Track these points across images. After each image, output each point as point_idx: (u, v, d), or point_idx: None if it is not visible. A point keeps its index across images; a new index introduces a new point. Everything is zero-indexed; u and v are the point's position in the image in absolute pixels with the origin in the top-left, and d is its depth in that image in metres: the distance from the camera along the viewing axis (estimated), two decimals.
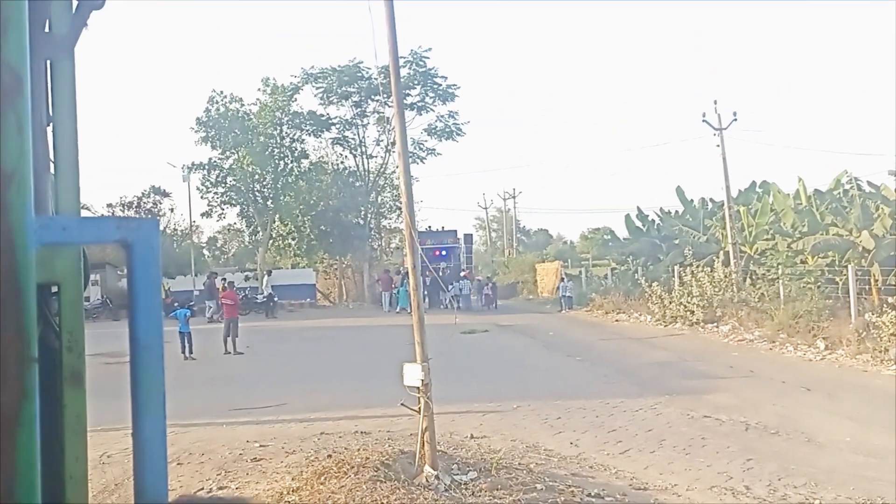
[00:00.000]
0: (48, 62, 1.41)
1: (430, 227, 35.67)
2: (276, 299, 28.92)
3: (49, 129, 1.42)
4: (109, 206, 36.39)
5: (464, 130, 35.09)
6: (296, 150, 35.21)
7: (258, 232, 36.63)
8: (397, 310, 27.90)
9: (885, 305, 14.78)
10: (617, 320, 24.40)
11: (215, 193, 34.94)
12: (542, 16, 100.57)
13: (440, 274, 25.99)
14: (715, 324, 20.16)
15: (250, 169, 33.88)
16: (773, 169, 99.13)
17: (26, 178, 0.81)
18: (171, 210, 39.19)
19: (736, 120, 24.42)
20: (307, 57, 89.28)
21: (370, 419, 9.35)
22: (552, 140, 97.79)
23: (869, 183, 22.44)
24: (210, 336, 17.76)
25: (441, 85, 34.22)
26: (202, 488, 6.72)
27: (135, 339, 0.89)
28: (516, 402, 10.39)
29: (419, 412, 6.66)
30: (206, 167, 34.38)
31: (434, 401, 6.78)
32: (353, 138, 36.55)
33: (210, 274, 28.06)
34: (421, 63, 33.64)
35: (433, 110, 34.68)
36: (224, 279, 24.82)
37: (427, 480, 6.37)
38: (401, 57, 8.62)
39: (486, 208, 63.77)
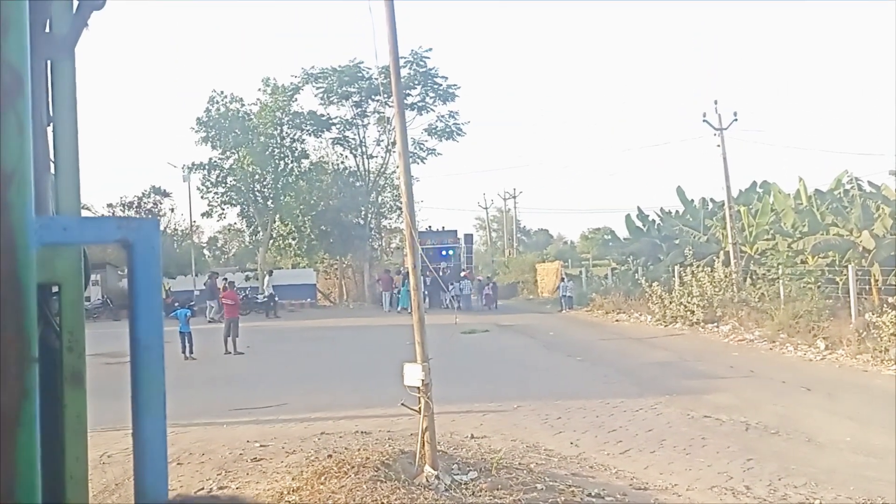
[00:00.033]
0: (49, 62, 1.41)
1: (430, 227, 35.66)
2: (276, 299, 28.93)
3: (49, 129, 1.42)
4: (110, 206, 36.44)
5: (464, 130, 35.13)
6: (296, 150, 35.22)
7: (258, 232, 36.63)
8: (398, 309, 27.90)
9: (885, 305, 14.77)
10: (617, 320, 24.40)
11: (216, 193, 34.96)
12: (542, 16, 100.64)
13: (440, 274, 25.99)
14: (715, 324, 20.15)
15: (251, 169, 33.88)
16: (774, 169, 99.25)
17: (27, 178, 0.81)
18: (172, 210, 39.27)
19: (736, 120, 24.43)
20: (307, 57, 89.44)
21: (370, 419, 9.35)
22: (552, 140, 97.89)
23: (869, 183, 22.48)
24: (210, 336, 17.77)
25: (441, 85, 34.24)
26: (202, 488, 6.72)
27: (135, 339, 0.89)
28: (517, 402, 10.39)
29: (419, 412, 6.66)
30: (207, 167, 34.39)
31: (434, 401, 6.78)
32: (353, 138, 36.58)
33: (211, 274, 28.06)
34: (421, 63, 33.64)
35: (433, 110, 34.72)
36: (225, 279, 24.82)
37: (427, 480, 6.37)
38: (401, 57, 8.62)
39: (486, 208, 63.85)
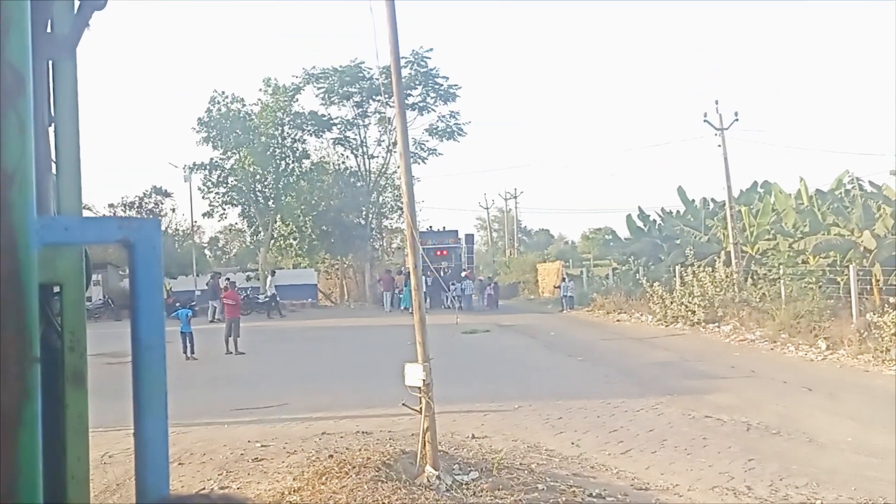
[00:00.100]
0: (50, 62, 1.41)
1: (431, 227, 35.66)
2: (278, 299, 28.93)
3: (51, 130, 1.43)
4: (111, 206, 36.46)
5: (465, 130, 35.13)
6: (297, 150, 35.22)
7: (259, 232, 36.64)
8: (401, 309, 27.89)
9: (886, 305, 14.77)
10: (618, 320, 24.39)
11: (217, 193, 34.97)
12: (543, 16, 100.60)
13: (441, 274, 26.00)
14: (716, 324, 20.14)
15: (252, 169, 33.88)
16: (775, 169, 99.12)
17: (28, 179, 0.81)
18: (173, 210, 39.30)
19: (737, 120, 24.41)
20: (308, 57, 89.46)
21: (372, 419, 9.35)
22: (553, 140, 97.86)
23: (871, 183, 22.45)
24: (211, 336, 17.77)
25: (442, 85, 34.23)
26: (203, 488, 6.72)
27: (137, 340, 0.89)
28: (518, 402, 10.39)
29: (420, 412, 6.66)
30: (208, 167, 34.40)
31: (435, 401, 6.78)
32: (354, 138, 36.58)
33: (214, 274, 28.05)
34: (422, 63, 33.64)
35: (434, 110, 34.71)
36: (227, 279, 24.82)
37: (428, 480, 6.37)
38: (402, 57, 8.62)
39: (487, 208, 63.85)
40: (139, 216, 32.21)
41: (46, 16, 1.40)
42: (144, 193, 37.68)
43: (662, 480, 6.92)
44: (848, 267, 17.90)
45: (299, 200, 35.11)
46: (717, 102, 26.21)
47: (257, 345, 17.92)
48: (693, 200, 30.17)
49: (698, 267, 22.10)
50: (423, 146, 34.97)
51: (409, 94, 32.71)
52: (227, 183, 34.82)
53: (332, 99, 34.96)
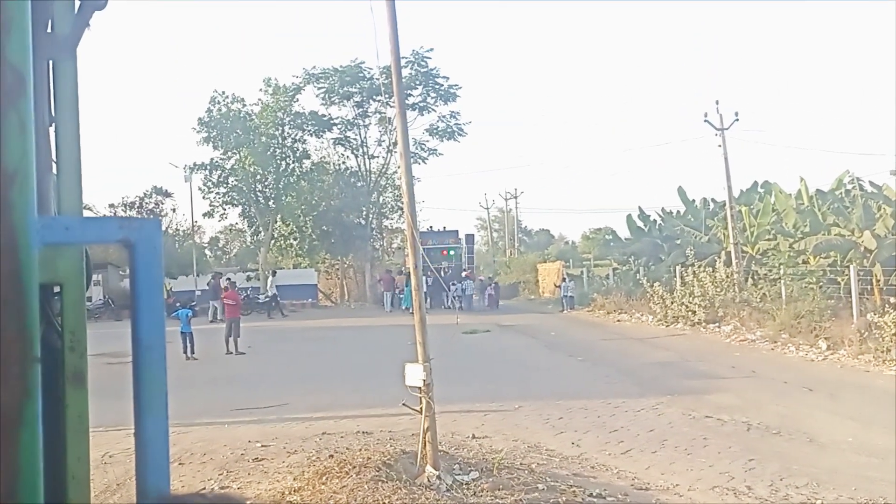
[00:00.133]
0: (51, 62, 1.41)
1: (431, 227, 35.65)
2: (279, 299, 28.93)
3: (51, 130, 1.43)
4: (112, 206, 36.47)
5: (465, 131, 35.14)
6: (297, 150, 35.23)
7: (260, 232, 36.65)
8: (403, 308, 27.88)
9: (887, 306, 14.76)
10: (618, 320, 24.38)
11: (217, 194, 34.99)
12: (543, 16, 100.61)
13: (441, 274, 25.99)
14: (717, 324, 20.14)
15: (252, 169, 33.89)
16: (775, 169, 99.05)
17: (29, 178, 0.81)
18: (173, 210, 39.32)
19: (738, 120, 24.41)
20: (309, 57, 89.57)
21: (372, 419, 9.35)
22: (553, 140, 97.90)
23: (871, 183, 22.44)
24: (212, 336, 17.78)
25: (443, 85, 34.24)
26: (204, 488, 6.72)
27: (137, 340, 0.89)
28: (518, 402, 10.39)
29: (421, 412, 6.66)
30: (208, 167, 34.41)
31: (436, 401, 6.78)
32: (354, 138, 36.60)
33: (215, 274, 28.04)
34: (423, 63, 33.65)
35: (435, 110, 34.73)
36: (229, 279, 24.83)
37: (429, 480, 6.37)
38: (402, 57, 8.62)
39: (487, 208, 63.86)
40: (140, 216, 32.22)
41: (47, 16, 1.40)
42: (145, 193, 37.74)
43: (663, 480, 6.92)
44: (848, 267, 17.90)
45: (300, 200, 35.11)
46: (717, 102, 26.25)
47: (257, 345, 17.92)
48: (693, 200, 30.17)
49: (699, 267, 22.10)
50: (423, 146, 34.99)
51: (410, 94, 32.71)
52: (227, 183, 34.83)
53: (333, 99, 34.97)
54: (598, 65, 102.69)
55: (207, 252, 42.81)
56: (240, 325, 17.33)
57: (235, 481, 6.95)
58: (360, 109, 35.40)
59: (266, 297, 29.13)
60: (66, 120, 1.39)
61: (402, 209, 29.11)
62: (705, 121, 24.63)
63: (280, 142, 34.57)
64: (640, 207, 32.59)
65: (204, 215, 36.16)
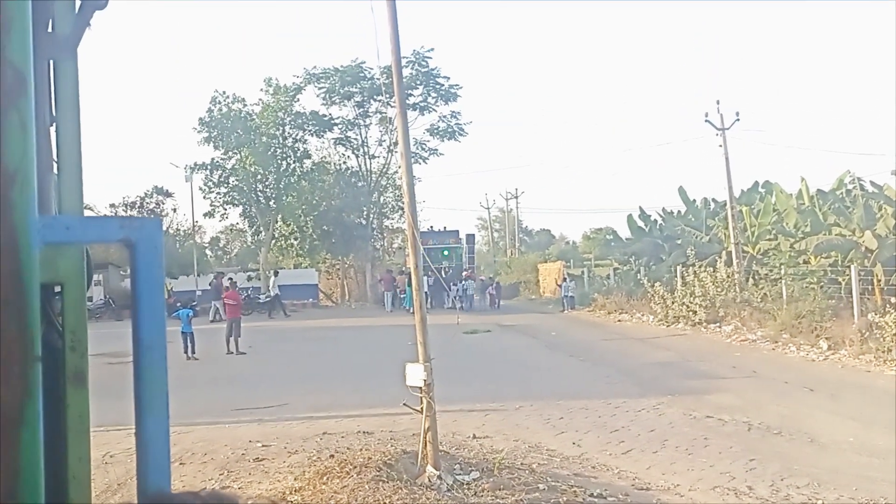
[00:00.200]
0: (51, 62, 1.41)
1: (432, 227, 35.64)
2: (281, 299, 28.93)
3: (52, 129, 1.43)
4: (112, 206, 36.44)
5: (466, 130, 35.15)
6: (298, 150, 35.24)
7: (261, 232, 36.65)
8: (406, 308, 27.87)
9: (888, 306, 14.75)
10: (619, 320, 24.38)
11: (218, 193, 35.00)
12: (543, 16, 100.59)
13: (442, 274, 25.98)
14: (717, 324, 20.13)
15: (253, 169, 33.90)
16: (776, 169, 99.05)
17: (30, 178, 0.81)
18: (174, 210, 39.27)
19: (738, 120, 24.40)
20: (309, 57, 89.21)
21: (372, 419, 9.35)
22: (553, 140, 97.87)
23: (872, 183, 22.42)
24: (212, 336, 17.78)
25: (443, 85, 34.23)
26: (204, 488, 6.71)
27: (138, 339, 0.89)
28: (518, 402, 10.39)
29: (421, 412, 6.66)
30: (209, 167, 34.42)
31: (436, 401, 6.78)
32: (355, 138, 36.60)
33: (217, 274, 28.02)
34: (423, 63, 33.64)
35: (435, 110, 34.73)
36: (230, 279, 24.88)
37: (429, 480, 6.37)
38: (403, 57, 8.64)
39: (488, 208, 63.85)
40: (140, 216, 32.21)
41: (48, 15, 1.40)
42: (146, 193, 37.71)
43: (663, 480, 6.92)
44: (849, 267, 17.89)
45: (300, 200, 35.12)
46: (718, 102, 26.19)
47: (258, 345, 17.93)
48: (694, 200, 30.16)
49: (699, 267, 22.09)
50: (424, 146, 35.00)
51: (410, 94, 32.71)
52: (228, 183, 34.85)
53: (334, 99, 34.98)
54: (597, 64, 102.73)
55: (208, 252, 42.80)
56: (240, 324, 17.34)
57: (236, 481, 6.95)
58: (361, 109, 35.41)
59: (267, 297, 29.13)
60: (66, 119, 1.39)
61: (402, 209, 29.14)
62: (706, 121, 24.63)
63: (281, 142, 34.58)
64: (640, 207, 32.62)
65: (205, 215, 36.22)
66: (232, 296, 18.36)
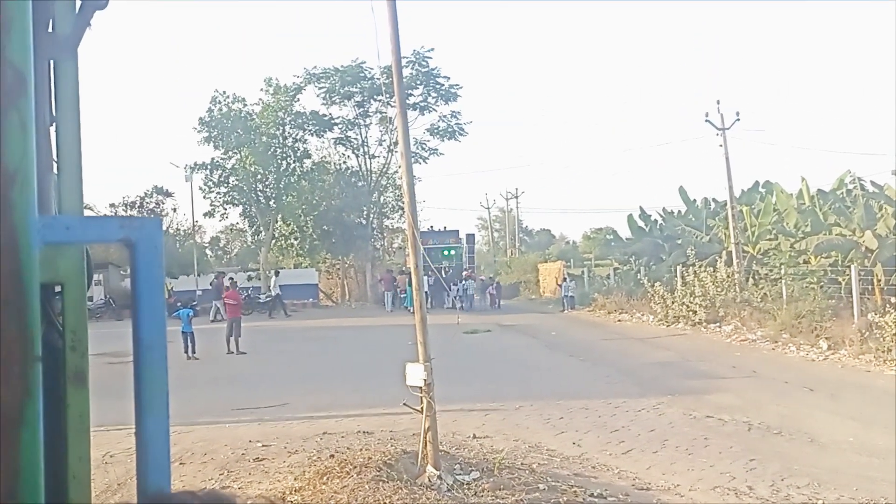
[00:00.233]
0: (52, 62, 1.41)
1: (432, 227, 35.64)
2: (282, 299, 28.93)
3: (52, 129, 1.42)
4: (112, 206, 36.44)
5: (466, 130, 35.14)
6: (298, 150, 35.23)
7: (261, 232, 36.66)
8: (407, 308, 27.85)
9: (888, 305, 14.75)
10: (619, 320, 24.37)
11: (218, 193, 35.00)
12: (543, 16, 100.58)
13: (442, 274, 25.99)
14: (717, 324, 20.13)
15: (253, 169, 33.90)
16: (776, 169, 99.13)
17: (30, 178, 0.81)
18: (174, 210, 39.28)
19: (739, 120, 24.39)
20: (310, 57, 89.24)
21: (373, 419, 9.35)
22: (553, 140, 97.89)
23: (872, 183, 22.43)
24: (213, 336, 17.78)
25: (443, 85, 34.23)
26: (204, 488, 6.72)
27: (138, 339, 0.89)
28: (519, 402, 10.39)
29: (422, 412, 6.66)
30: (209, 167, 34.42)
31: (436, 400, 6.78)
32: (355, 138, 36.59)
33: (218, 274, 28.00)
34: (423, 63, 33.63)
35: (436, 110, 34.73)
36: (231, 279, 24.90)
37: (429, 480, 6.37)
38: (403, 57, 8.64)
39: (488, 208, 63.85)
40: (140, 216, 32.20)
41: (48, 15, 1.40)
42: (146, 193, 37.71)
43: (664, 480, 6.92)
44: (849, 267, 17.89)
45: (300, 200, 35.12)
46: (718, 102, 26.23)
47: (258, 344, 17.92)
48: (694, 200, 30.16)
49: (699, 267, 22.09)
50: (424, 146, 35.00)
51: (411, 94, 32.71)
52: (228, 183, 34.85)
53: (334, 99, 34.97)
54: (598, 64, 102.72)
55: (208, 252, 42.80)
56: (241, 324, 17.34)
57: (236, 481, 6.95)
58: (361, 109, 35.41)
59: (267, 297, 29.13)
60: (66, 119, 1.39)
61: (402, 209, 29.12)
62: (706, 120, 24.63)
63: (281, 141, 34.58)
64: (641, 207, 32.61)
65: (205, 215, 36.23)
66: (232, 295, 18.36)
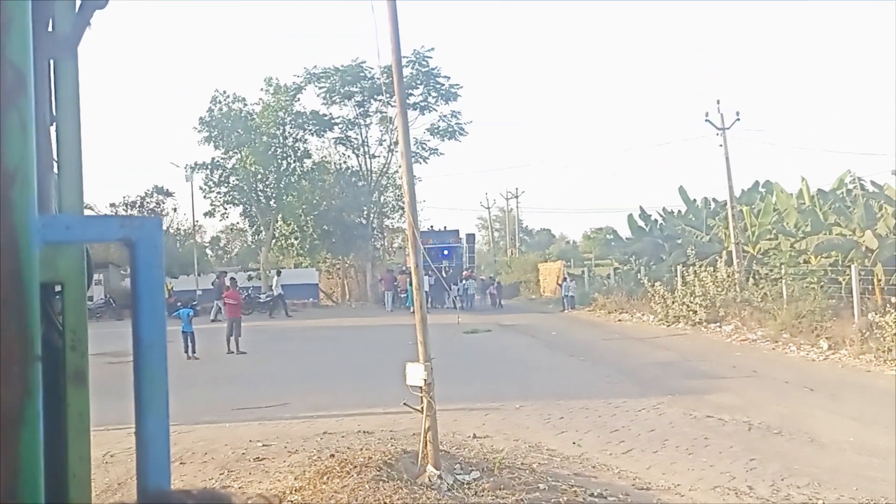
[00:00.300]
0: (51, 61, 1.41)
1: (432, 226, 35.63)
2: (284, 299, 28.94)
3: (52, 129, 1.42)
4: (112, 205, 36.43)
5: (466, 130, 35.15)
6: (298, 149, 35.24)
7: (261, 231, 36.67)
8: (408, 308, 27.83)
9: (888, 305, 14.74)
10: (619, 320, 24.37)
11: (218, 193, 35.03)
12: (543, 16, 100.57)
13: (442, 274, 25.97)
14: (718, 324, 20.12)
15: (253, 168, 33.91)
16: (776, 168, 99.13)
17: (30, 177, 0.81)
18: (174, 209, 39.27)
19: (739, 119, 24.39)
20: (310, 56, 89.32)
21: (373, 418, 9.35)
22: (554, 140, 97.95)
23: (872, 182, 22.42)
24: (213, 336, 17.77)
25: (444, 85, 34.23)
26: (204, 487, 6.71)
27: (138, 339, 0.89)
28: (519, 402, 10.39)
29: (422, 411, 6.66)
30: (209, 167, 34.44)
31: (437, 400, 6.78)
32: (355, 138, 36.61)
33: (219, 274, 28.00)
34: (424, 63, 33.64)
35: (436, 110, 34.75)
36: (232, 278, 24.91)
37: (430, 480, 6.37)
38: (403, 57, 8.64)
39: (488, 208, 63.85)
40: (141, 215, 32.19)
41: (48, 15, 1.40)
42: (146, 193, 37.70)
43: (664, 480, 6.92)
44: (850, 267, 17.88)
45: (301, 200, 35.14)
46: (718, 102, 26.18)
47: (259, 344, 17.92)
48: (694, 200, 30.15)
49: (700, 266, 22.09)
50: (424, 146, 35.01)
51: (411, 94, 32.71)
52: (228, 182, 34.87)
53: (334, 98, 34.98)
54: (597, 64, 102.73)
55: (208, 251, 42.80)
56: (241, 324, 17.34)
57: (236, 481, 6.95)
58: (361, 109, 35.42)
59: (268, 297, 29.14)
60: (67, 119, 1.39)
61: (403, 208, 29.09)
62: (706, 120, 24.63)
63: (281, 141, 34.59)
64: (641, 207, 32.59)
65: (205, 215, 36.26)
66: (232, 295, 18.35)
